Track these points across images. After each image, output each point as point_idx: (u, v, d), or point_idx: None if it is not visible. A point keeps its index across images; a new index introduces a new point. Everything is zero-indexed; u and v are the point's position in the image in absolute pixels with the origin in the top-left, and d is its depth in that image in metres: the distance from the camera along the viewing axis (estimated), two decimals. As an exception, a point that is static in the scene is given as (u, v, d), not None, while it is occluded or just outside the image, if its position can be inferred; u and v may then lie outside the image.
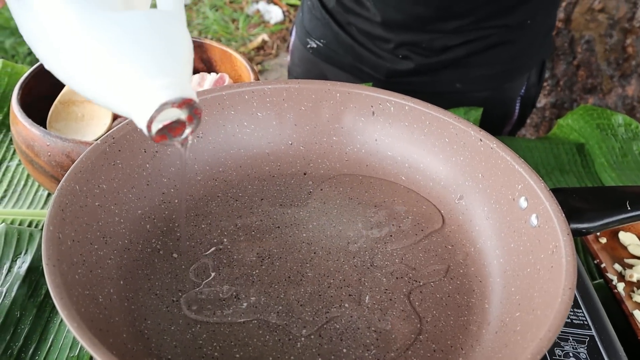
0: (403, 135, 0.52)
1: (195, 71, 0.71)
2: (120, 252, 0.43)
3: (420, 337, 0.40)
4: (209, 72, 0.70)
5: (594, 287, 0.48)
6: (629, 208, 0.43)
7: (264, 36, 2.31)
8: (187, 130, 0.33)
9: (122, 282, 0.42)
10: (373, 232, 0.47)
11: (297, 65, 0.97)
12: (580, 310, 0.44)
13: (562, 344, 0.42)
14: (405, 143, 0.52)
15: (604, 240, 0.58)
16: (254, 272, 0.44)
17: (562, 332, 0.42)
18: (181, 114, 0.32)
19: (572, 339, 0.42)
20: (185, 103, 0.31)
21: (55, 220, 0.38)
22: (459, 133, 0.49)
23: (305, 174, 0.53)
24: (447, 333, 0.40)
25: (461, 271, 0.44)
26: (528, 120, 1.26)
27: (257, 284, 0.43)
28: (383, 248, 0.46)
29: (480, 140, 0.47)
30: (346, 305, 0.42)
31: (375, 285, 0.43)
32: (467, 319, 0.41)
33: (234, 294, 0.42)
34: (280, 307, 0.41)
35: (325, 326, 0.40)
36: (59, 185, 0.40)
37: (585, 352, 0.41)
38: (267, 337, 0.39)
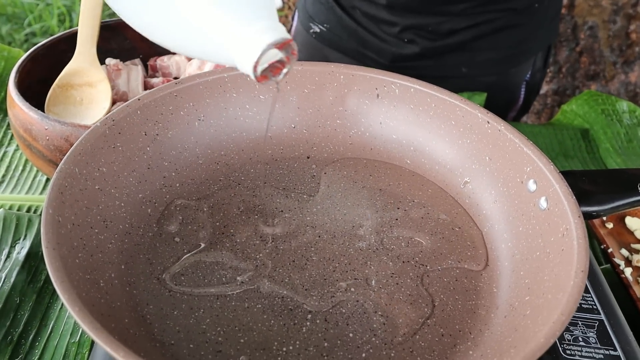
0: (408, 118, 0.51)
1: None
2: (121, 236, 0.42)
3: (428, 321, 0.39)
4: None
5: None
6: (640, 190, 0.43)
7: (263, 24, 2.29)
8: (285, 70, 0.36)
9: (123, 267, 0.41)
10: (378, 216, 0.46)
11: (299, 51, 0.94)
12: (589, 295, 0.44)
13: (571, 328, 0.41)
14: (410, 126, 0.51)
15: (610, 225, 0.57)
16: (258, 256, 0.43)
17: (572, 316, 0.42)
18: (281, 54, 0.34)
19: (582, 324, 0.42)
20: (285, 44, 0.33)
21: (54, 203, 0.37)
22: (465, 115, 0.48)
23: (308, 157, 0.52)
24: (455, 317, 0.39)
25: (469, 254, 0.44)
26: (530, 108, 1.25)
27: (260, 268, 0.42)
28: (389, 232, 0.45)
29: (488, 122, 0.46)
30: (352, 289, 0.41)
31: (382, 269, 0.42)
32: (475, 303, 0.40)
33: (238, 278, 0.41)
34: (285, 292, 0.40)
35: (331, 310, 0.39)
36: (58, 167, 0.39)
37: (595, 336, 0.41)
38: (272, 321, 0.38)
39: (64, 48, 0.62)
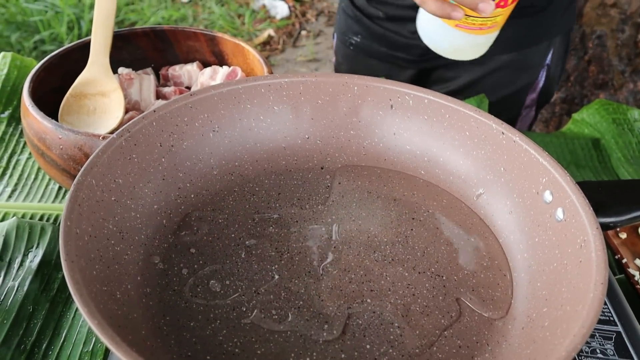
0: (422, 128, 0.51)
1: (207, 64, 0.70)
2: (137, 247, 0.42)
3: (445, 333, 0.39)
4: (221, 66, 0.69)
5: (616, 283, 0.47)
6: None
7: (270, 31, 2.30)
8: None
9: (139, 278, 0.41)
10: (393, 226, 0.46)
11: (341, 64, 1.02)
12: (606, 306, 0.44)
13: (588, 340, 0.41)
14: (424, 136, 0.51)
15: (623, 235, 0.57)
16: (273, 267, 0.43)
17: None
18: None
19: (599, 335, 0.42)
20: None
21: (72, 215, 0.37)
22: (479, 126, 0.48)
23: (322, 168, 0.52)
24: (472, 329, 0.39)
25: (484, 264, 0.43)
26: (538, 116, 1.25)
27: (276, 279, 0.42)
28: (404, 242, 0.45)
29: (502, 133, 0.46)
30: (368, 300, 0.41)
31: (398, 280, 0.42)
32: (492, 314, 0.40)
33: (254, 289, 0.41)
34: (301, 303, 0.40)
35: (347, 322, 0.39)
36: (75, 179, 0.39)
37: (613, 348, 0.41)
38: (289, 333, 0.38)
39: (77, 57, 0.63)
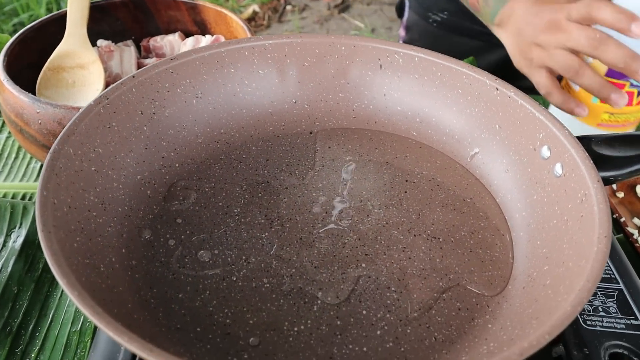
0: (413, 88, 0.49)
1: (189, 34, 0.68)
2: (121, 219, 0.41)
3: (444, 295, 0.38)
4: (204, 35, 0.67)
5: (615, 242, 0.46)
6: (659, 153, 0.41)
7: (255, 7, 2.26)
8: None
9: (124, 251, 0.39)
10: (386, 189, 0.45)
11: (416, 40, 0.95)
12: (607, 265, 0.42)
13: (590, 298, 0.40)
14: (415, 96, 0.49)
15: (621, 194, 0.56)
16: (263, 235, 0.41)
17: None
18: None
19: (600, 293, 0.40)
20: None
21: (48, 185, 0.36)
22: (473, 83, 0.46)
23: (311, 132, 0.50)
24: (472, 291, 0.38)
25: (482, 224, 0.42)
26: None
27: (267, 247, 0.40)
28: (398, 205, 0.44)
29: (497, 89, 0.45)
30: (363, 265, 0.39)
31: (393, 244, 0.41)
32: (492, 274, 0.39)
33: (244, 258, 0.40)
34: (294, 270, 0.39)
35: (342, 287, 0.38)
36: (52, 148, 0.37)
37: (615, 306, 0.40)
38: (282, 301, 0.37)
39: (54, 30, 0.60)
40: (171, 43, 0.66)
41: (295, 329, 0.35)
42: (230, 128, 0.49)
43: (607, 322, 0.39)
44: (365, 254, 0.40)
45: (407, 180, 0.46)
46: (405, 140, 0.49)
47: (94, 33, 0.62)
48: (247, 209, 0.43)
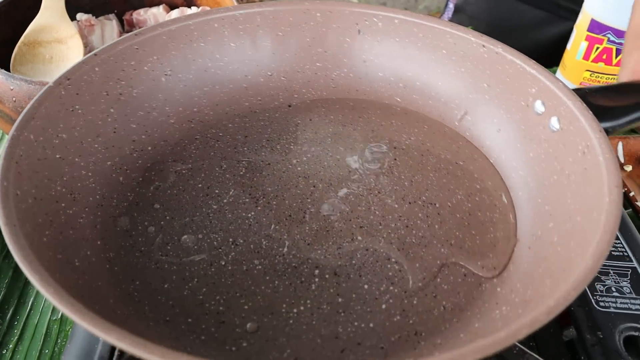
0: (394, 52, 0.47)
1: (174, 6, 0.65)
2: (93, 209, 0.37)
3: (447, 262, 0.36)
4: (189, 7, 0.64)
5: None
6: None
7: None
8: None
9: (99, 243, 0.36)
10: (374, 158, 0.43)
11: (472, 4, 0.85)
12: (619, 241, 0.41)
13: (602, 278, 0.38)
14: (397, 61, 0.47)
15: (629, 168, 0.53)
16: (250, 215, 0.38)
17: (602, 265, 0.38)
18: None
19: (613, 272, 0.39)
20: None
21: (8, 175, 0.32)
22: (457, 42, 0.44)
23: (290, 105, 0.47)
24: (475, 254, 0.36)
25: (478, 187, 0.40)
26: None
27: (254, 226, 0.38)
28: (389, 173, 0.41)
29: (483, 46, 0.43)
30: (359, 237, 0.37)
31: (388, 213, 0.39)
32: (494, 236, 0.37)
33: (231, 240, 0.37)
34: (286, 249, 0.36)
35: (339, 263, 0.36)
36: (9, 134, 0.34)
37: (629, 285, 0.38)
38: (276, 282, 0.34)
39: (30, 4, 0.56)
40: (155, 16, 0.62)
41: (295, 310, 0.33)
42: (203, 106, 0.46)
43: (621, 303, 0.37)
44: (360, 226, 0.38)
45: (395, 148, 0.43)
46: (389, 107, 0.47)
47: (73, 7, 0.58)
48: (229, 188, 0.40)
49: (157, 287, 0.34)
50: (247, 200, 0.39)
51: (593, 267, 0.26)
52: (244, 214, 0.38)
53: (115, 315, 0.32)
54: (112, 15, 0.63)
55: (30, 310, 0.44)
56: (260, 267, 0.35)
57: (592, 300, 0.37)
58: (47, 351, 0.41)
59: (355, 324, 0.32)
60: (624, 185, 0.50)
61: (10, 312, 0.43)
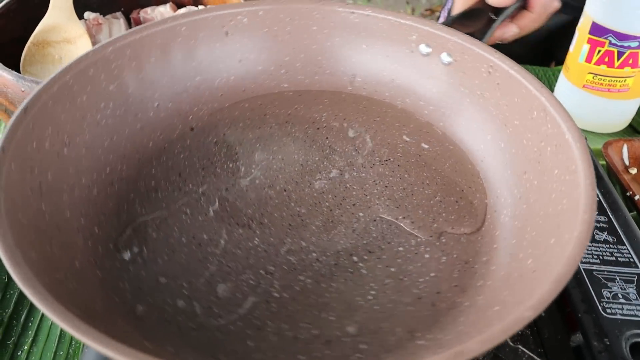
0: (266, 43, 0.48)
1: (181, 5, 0.64)
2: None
3: (440, 200, 0.41)
4: (197, 6, 0.63)
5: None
6: (494, 17, 0.50)
7: None
8: None
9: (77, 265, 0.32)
10: (310, 145, 0.45)
11: None
12: (625, 247, 0.41)
13: (609, 284, 0.38)
14: (270, 51, 0.48)
15: (634, 170, 0.53)
16: (256, 242, 0.38)
17: (608, 271, 0.40)
18: None
19: (620, 279, 0.39)
20: None
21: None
22: (325, 16, 0.47)
23: (192, 129, 0.45)
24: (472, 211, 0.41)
25: (406, 131, 0.46)
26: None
27: (270, 249, 0.37)
28: (330, 150, 0.44)
29: (352, 12, 0.47)
30: (360, 214, 0.40)
31: (364, 182, 0.42)
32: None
33: (262, 272, 0.36)
34: (315, 254, 0.37)
35: (364, 242, 0.38)
36: None
37: (635, 292, 0.38)
38: (333, 284, 0.35)
39: (39, 2, 0.56)
40: (162, 15, 0.62)
41: (369, 297, 0.35)
42: (114, 162, 0.41)
43: (627, 309, 0.37)
44: (353, 204, 0.41)
45: (318, 128, 0.46)
46: (282, 94, 0.48)
47: (81, 5, 0.59)
48: (213, 228, 0.38)
49: (236, 348, 0.32)
50: (240, 231, 0.38)
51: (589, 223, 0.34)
52: (250, 244, 0.37)
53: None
54: (119, 14, 0.63)
55: (43, 312, 0.41)
56: (308, 279, 0.36)
57: (599, 307, 0.37)
58: (61, 353, 0.41)
59: (426, 277, 0.36)
60: (629, 189, 0.50)
61: (25, 313, 0.43)
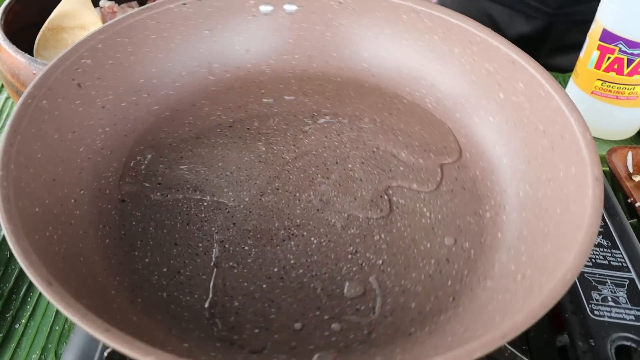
0: (202, 40, 0.45)
1: None
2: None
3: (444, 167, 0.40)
4: None
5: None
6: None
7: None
8: None
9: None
10: (290, 140, 0.43)
11: (449, 4, 0.82)
12: (619, 251, 0.41)
13: (599, 287, 0.39)
14: (207, 44, 0.45)
15: (637, 178, 0.53)
16: (277, 249, 0.36)
17: (600, 274, 0.40)
18: None
19: (611, 282, 0.39)
20: None
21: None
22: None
23: (161, 157, 0.41)
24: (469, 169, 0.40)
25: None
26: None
27: (298, 251, 0.36)
28: (304, 135, 0.43)
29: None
30: (361, 180, 0.40)
31: (345, 156, 0.41)
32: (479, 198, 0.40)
33: (302, 271, 0.34)
34: (350, 232, 0.37)
35: (381, 206, 0.38)
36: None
37: (625, 296, 0.38)
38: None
39: None
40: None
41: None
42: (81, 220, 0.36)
43: (615, 312, 0.37)
44: (351, 180, 0.40)
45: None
46: (244, 90, 0.46)
47: None
48: (226, 252, 0.37)
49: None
50: (250, 242, 0.36)
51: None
52: (276, 255, 0.36)
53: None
54: (134, 3, 0.62)
55: (43, 287, 0.43)
56: (354, 263, 0.35)
57: (587, 309, 0.37)
58: (57, 328, 0.42)
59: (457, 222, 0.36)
60: (630, 196, 0.50)
61: (24, 288, 0.44)
